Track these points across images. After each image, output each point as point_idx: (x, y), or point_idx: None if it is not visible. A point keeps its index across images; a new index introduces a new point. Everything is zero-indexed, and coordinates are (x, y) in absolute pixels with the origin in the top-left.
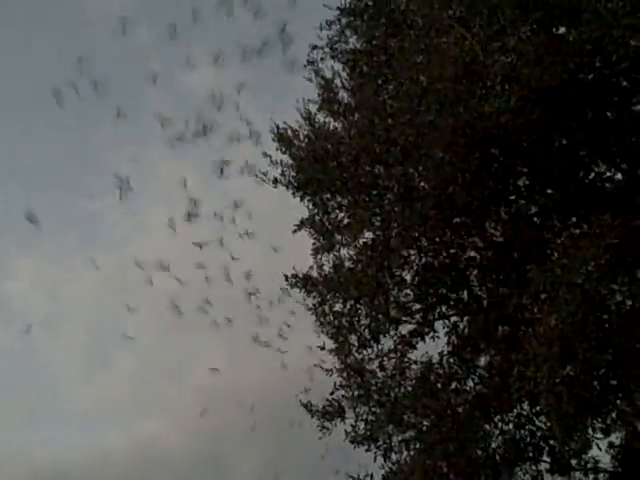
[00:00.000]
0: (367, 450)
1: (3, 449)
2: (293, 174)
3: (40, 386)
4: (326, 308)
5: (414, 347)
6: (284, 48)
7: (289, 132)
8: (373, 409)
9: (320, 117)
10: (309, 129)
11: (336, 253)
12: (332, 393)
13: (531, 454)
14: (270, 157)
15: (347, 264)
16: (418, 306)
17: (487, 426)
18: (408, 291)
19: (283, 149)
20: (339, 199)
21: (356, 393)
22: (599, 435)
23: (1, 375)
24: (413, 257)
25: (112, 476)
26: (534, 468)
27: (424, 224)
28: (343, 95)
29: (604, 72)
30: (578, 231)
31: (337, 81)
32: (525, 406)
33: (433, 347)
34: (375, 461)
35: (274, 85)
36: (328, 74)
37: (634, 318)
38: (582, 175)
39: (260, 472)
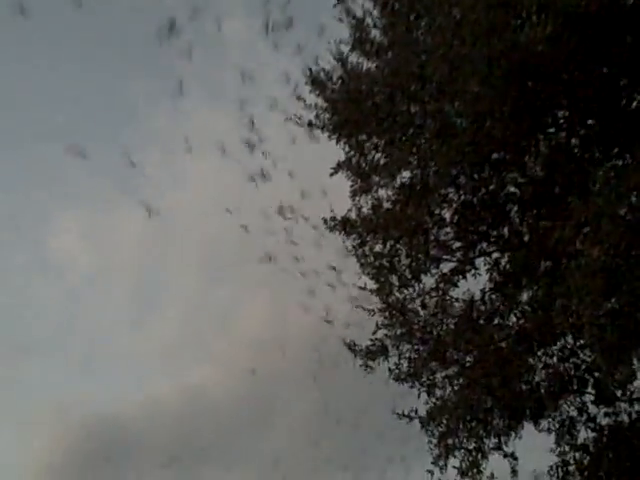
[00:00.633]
0: (411, 387)
1: (56, 400)
2: (328, 117)
3: (90, 337)
4: (366, 249)
5: (455, 285)
6: None
7: (322, 74)
8: (416, 347)
9: (353, 58)
10: (342, 70)
11: (374, 194)
12: (374, 332)
13: (575, 387)
14: (304, 100)
15: (385, 205)
16: (458, 244)
17: (530, 360)
18: (448, 229)
19: (317, 92)
20: (375, 140)
21: (399, 332)
22: None
23: (52, 327)
24: (452, 195)
25: (161, 424)
26: (579, 400)
27: (462, 161)
28: (375, 34)
29: None
30: (620, 162)
31: (369, 20)
32: (569, 339)
33: (475, 284)
34: (419, 397)
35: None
36: (359, 13)
37: None
38: (624, 104)
39: (309, 417)
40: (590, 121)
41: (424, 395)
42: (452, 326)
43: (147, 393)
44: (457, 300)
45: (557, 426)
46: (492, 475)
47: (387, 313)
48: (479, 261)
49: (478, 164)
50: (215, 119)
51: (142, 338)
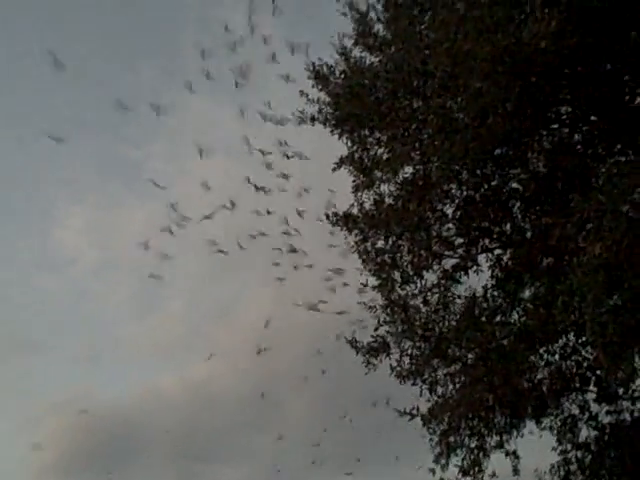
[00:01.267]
0: (413, 384)
1: (61, 393)
2: (330, 111)
3: (93, 331)
4: (368, 245)
5: (458, 281)
6: None
7: (325, 69)
8: (418, 344)
9: (356, 52)
10: (345, 64)
11: (376, 189)
12: (376, 329)
13: (577, 384)
14: (307, 95)
15: (388, 200)
16: (461, 240)
17: (532, 357)
18: (450, 225)
19: (319, 86)
20: (378, 135)
21: (400, 329)
22: None
23: (56, 321)
24: (454, 191)
25: (166, 417)
26: (580, 398)
27: (464, 157)
28: (378, 28)
29: None
30: (623, 158)
31: (372, 14)
32: (571, 337)
33: (477, 281)
34: (421, 395)
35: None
36: (363, 7)
37: None
38: (627, 100)
39: (310, 412)
40: (593, 117)
41: (426, 393)
42: (454, 323)
43: (150, 386)
44: (459, 297)
45: (559, 424)
46: (494, 473)
47: (389, 310)
48: (481, 257)
49: (481, 160)
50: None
51: (145, 332)
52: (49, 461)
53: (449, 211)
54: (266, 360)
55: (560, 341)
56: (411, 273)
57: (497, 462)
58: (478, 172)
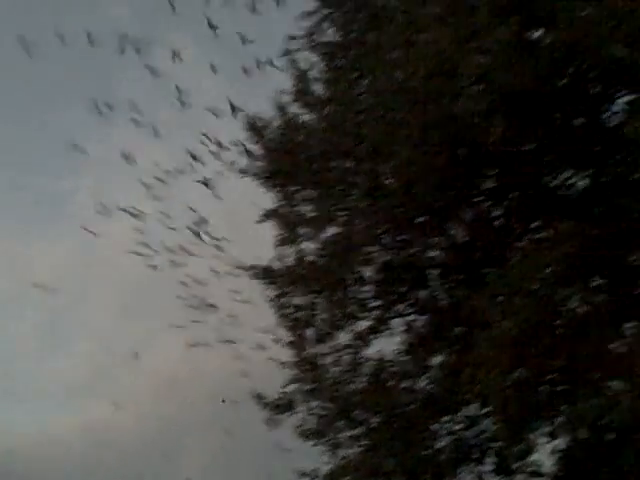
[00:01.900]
0: (315, 445)
1: None
2: (262, 165)
3: None
4: (285, 301)
5: (369, 344)
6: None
7: (260, 122)
8: (324, 404)
9: (293, 109)
10: (281, 120)
11: (299, 246)
12: (284, 386)
13: (476, 455)
14: (244, 146)
15: (309, 258)
16: (376, 303)
17: (436, 425)
18: (368, 288)
19: (254, 139)
20: (306, 192)
21: (309, 387)
22: (544, 440)
23: None
24: (375, 254)
25: (64, 459)
26: (478, 469)
27: (388, 222)
28: (317, 87)
29: (575, 79)
30: (539, 236)
31: (312, 73)
32: (474, 408)
33: (388, 345)
34: (323, 456)
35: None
36: (304, 65)
37: (585, 326)
38: (547, 180)
39: (211, 460)
40: (514, 194)
41: (328, 454)
42: (362, 385)
43: (50, 427)
44: (369, 360)
45: None
46: None
47: (299, 367)
48: (395, 322)
49: (403, 226)
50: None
51: (47, 372)
52: None
53: (368, 273)
54: (170, 406)
55: (464, 410)
56: (325, 332)
57: None
58: (400, 238)
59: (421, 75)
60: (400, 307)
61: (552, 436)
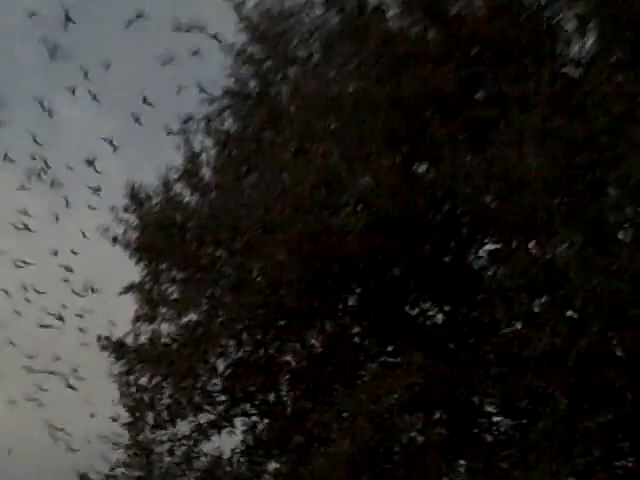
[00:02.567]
0: None
1: None
2: (135, 236)
3: None
4: (131, 379)
5: (208, 438)
6: None
7: (142, 194)
8: None
9: (178, 187)
10: (163, 196)
11: (156, 326)
12: (112, 469)
13: None
14: (121, 216)
15: (164, 339)
16: (223, 398)
17: None
18: (217, 381)
19: (132, 209)
20: (173, 273)
21: (138, 474)
22: None
23: None
24: (231, 349)
25: None
26: None
27: (250, 319)
28: (205, 172)
29: (449, 218)
30: (392, 360)
31: (204, 156)
32: None
33: (227, 443)
34: None
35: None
36: (197, 147)
37: (421, 456)
38: (407, 308)
39: None
40: (374, 315)
41: None
42: None
43: None
44: (205, 455)
45: None
46: None
47: (132, 451)
48: (238, 420)
49: (264, 326)
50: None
51: None
52: None
53: (221, 366)
54: None
55: None
56: (166, 419)
57: None
58: (258, 337)
59: (307, 184)
60: (246, 406)
61: None
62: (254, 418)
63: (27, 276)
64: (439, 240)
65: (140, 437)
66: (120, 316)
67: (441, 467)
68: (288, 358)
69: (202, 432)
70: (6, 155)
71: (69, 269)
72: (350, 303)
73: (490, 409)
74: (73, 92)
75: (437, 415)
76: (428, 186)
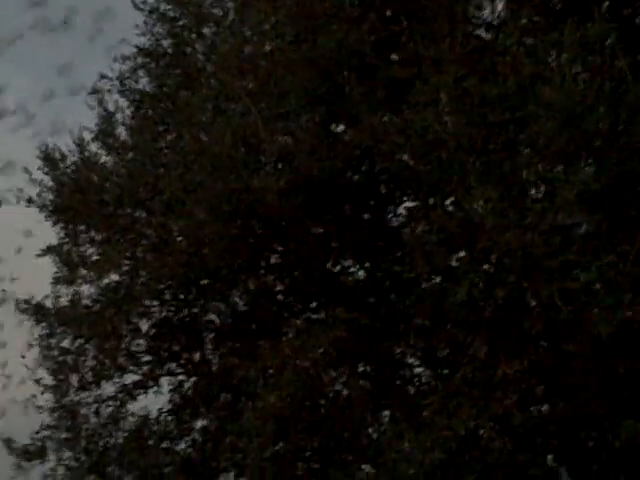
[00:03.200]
0: None
1: None
2: (51, 198)
3: None
4: (53, 342)
5: (135, 398)
6: None
7: (57, 154)
8: (78, 455)
9: (93, 147)
10: (78, 156)
11: (77, 288)
12: (38, 432)
13: None
14: (30, 174)
15: (85, 301)
16: (148, 358)
17: None
18: (141, 341)
19: (46, 170)
20: (92, 234)
21: (64, 436)
22: None
23: None
24: (154, 309)
25: None
26: None
27: (172, 279)
28: (121, 132)
29: (368, 177)
30: (315, 317)
31: (119, 116)
32: (231, 476)
33: (154, 402)
34: None
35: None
36: (111, 107)
37: (346, 409)
38: (329, 265)
39: None
40: (297, 272)
41: None
42: (120, 441)
43: None
44: (132, 415)
45: None
46: None
47: (57, 414)
48: (164, 380)
49: (186, 286)
50: None
51: None
52: None
53: (144, 327)
54: None
55: (220, 477)
56: (90, 380)
57: None
58: (181, 296)
59: (226, 143)
60: (171, 366)
61: None
62: (180, 377)
63: None
64: (359, 198)
65: (64, 400)
66: (40, 279)
67: (366, 418)
68: (212, 317)
69: (128, 393)
70: None
71: None
72: (272, 261)
73: (412, 360)
74: None
75: (361, 368)
76: (347, 145)
